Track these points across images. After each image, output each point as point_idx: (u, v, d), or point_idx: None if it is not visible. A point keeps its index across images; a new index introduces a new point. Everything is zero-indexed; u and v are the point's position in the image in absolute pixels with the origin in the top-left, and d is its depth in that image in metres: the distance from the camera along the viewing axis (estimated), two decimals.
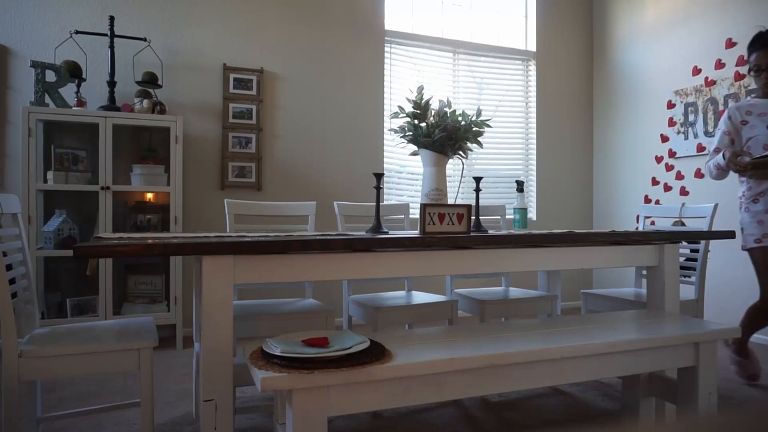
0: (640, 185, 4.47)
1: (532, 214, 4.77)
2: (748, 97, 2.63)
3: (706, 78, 3.86)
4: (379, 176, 1.91)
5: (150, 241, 1.44)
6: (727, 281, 3.70)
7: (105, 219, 3.12)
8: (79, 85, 3.24)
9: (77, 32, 3.30)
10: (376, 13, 4.18)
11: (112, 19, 3.30)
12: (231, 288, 1.48)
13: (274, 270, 1.54)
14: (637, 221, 4.52)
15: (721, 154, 2.54)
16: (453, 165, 4.51)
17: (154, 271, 3.38)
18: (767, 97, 2.57)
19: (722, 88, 3.74)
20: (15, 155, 3.27)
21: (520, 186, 2.57)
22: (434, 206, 1.79)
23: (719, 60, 3.76)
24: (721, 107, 3.74)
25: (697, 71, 3.94)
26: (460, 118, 2.10)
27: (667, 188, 4.20)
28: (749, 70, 2.57)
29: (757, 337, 3.49)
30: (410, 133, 2.11)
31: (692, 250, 2.62)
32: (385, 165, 4.24)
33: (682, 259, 2.66)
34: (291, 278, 1.56)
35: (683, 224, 2.74)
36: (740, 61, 3.62)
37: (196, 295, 2.15)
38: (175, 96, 3.63)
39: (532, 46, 4.79)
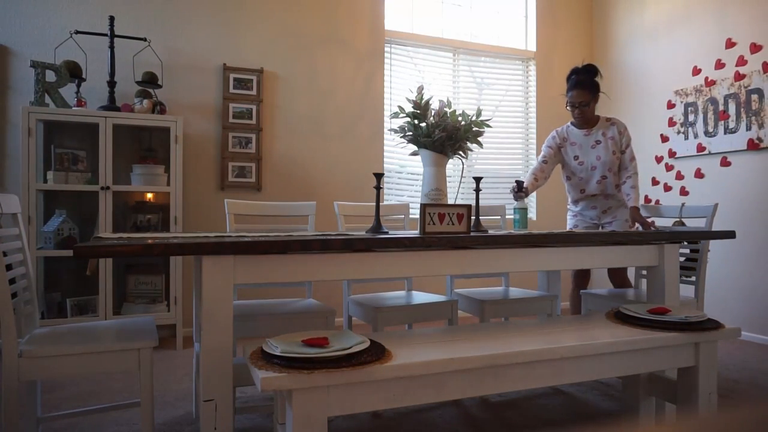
0: (641, 185, 4.47)
1: (532, 214, 4.77)
2: (568, 123, 2.93)
3: (706, 78, 3.86)
4: (379, 176, 1.91)
5: (150, 241, 1.44)
6: (727, 281, 3.70)
7: (105, 219, 3.12)
8: (79, 85, 3.24)
9: (77, 32, 3.30)
10: (376, 13, 4.18)
11: (112, 19, 3.30)
12: (231, 288, 1.48)
13: (274, 270, 1.54)
14: None
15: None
16: (453, 165, 4.51)
17: (154, 271, 3.38)
18: (581, 129, 2.86)
19: (722, 88, 3.74)
20: (15, 155, 3.27)
21: (520, 186, 2.57)
22: (434, 206, 1.79)
23: (719, 60, 3.76)
24: (721, 107, 3.74)
25: (697, 71, 3.94)
26: (460, 118, 2.10)
27: (667, 188, 4.20)
28: (566, 104, 2.80)
29: (757, 337, 3.49)
30: (410, 133, 2.11)
31: (692, 250, 2.62)
32: (385, 165, 4.24)
33: (682, 259, 2.66)
34: (291, 278, 1.56)
35: (683, 224, 2.74)
36: (740, 61, 3.62)
37: (196, 295, 2.15)
38: (175, 96, 3.63)
39: (532, 47, 4.79)
